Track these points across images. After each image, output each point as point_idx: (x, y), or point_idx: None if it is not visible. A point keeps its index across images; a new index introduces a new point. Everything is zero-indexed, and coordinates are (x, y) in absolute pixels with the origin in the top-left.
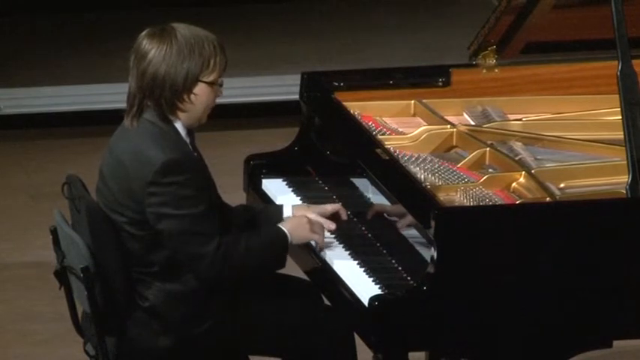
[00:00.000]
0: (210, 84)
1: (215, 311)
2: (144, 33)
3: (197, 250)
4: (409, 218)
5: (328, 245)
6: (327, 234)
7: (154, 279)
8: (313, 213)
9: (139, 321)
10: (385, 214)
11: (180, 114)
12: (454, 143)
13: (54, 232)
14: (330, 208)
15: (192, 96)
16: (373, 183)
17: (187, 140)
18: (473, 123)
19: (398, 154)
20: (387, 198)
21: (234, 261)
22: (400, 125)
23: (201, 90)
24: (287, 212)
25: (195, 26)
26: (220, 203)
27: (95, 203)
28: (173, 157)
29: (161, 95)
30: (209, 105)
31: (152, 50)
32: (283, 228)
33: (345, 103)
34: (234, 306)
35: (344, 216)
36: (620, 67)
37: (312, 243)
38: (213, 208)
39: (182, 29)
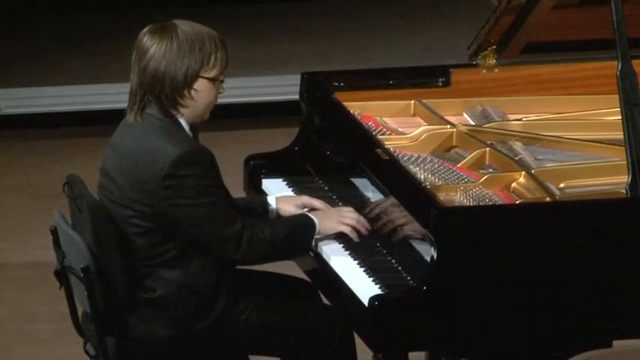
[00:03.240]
0: (212, 80)
1: (218, 307)
2: (145, 29)
3: (223, 233)
4: (408, 220)
5: (327, 242)
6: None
7: (162, 269)
8: (299, 207)
9: (142, 317)
10: (384, 212)
11: (182, 109)
12: (454, 143)
13: (54, 232)
14: (316, 203)
15: (192, 92)
16: (373, 183)
17: (191, 135)
18: (473, 123)
19: (398, 154)
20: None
21: (260, 243)
22: (400, 125)
23: (202, 86)
24: (271, 204)
25: (197, 23)
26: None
27: (98, 201)
28: (186, 150)
29: (161, 91)
30: (211, 101)
31: (153, 46)
32: (311, 215)
33: (345, 103)
34: (235, 305)
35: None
36: (620, 67)
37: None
38: (227, 194)
39: (183, 25)
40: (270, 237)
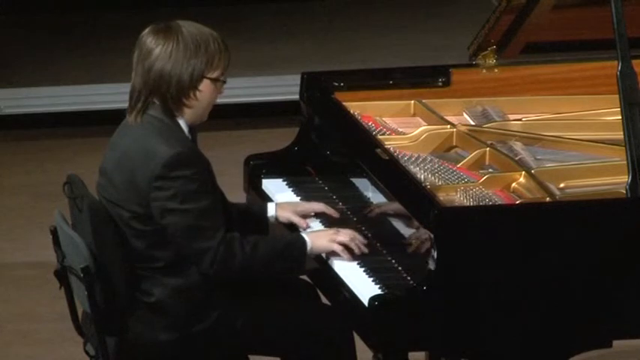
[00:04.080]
0: (215, 80)
1: (217, 308)
2: (148, 29)
3: (201, 245)
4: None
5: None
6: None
7: (159, 274)
8: (295, 214)
9: (141, 319)
10: (386, 214)
11: (186, 110)
12: (454, 143)
13: (54, 232)
14: (316, 207)
15: (197, 92)
16: (373, 183)
17: (189, 137)
18: (473, 123)
19: (398, 154)
20: (387, 198)
21: (238, 257)
22: (400, 125)
23: (205, 86)
24: (270, 211)
25: (198, 23)
26: (223, 200)
27: (98, 201)
28: (180, 151)
29: (167, 91)
30: (211, 102)
31: (158, 47)
32: (304, 235)
33: (345, 103)
34: (234, 305)
35: (333, 214)
36: (620, 67)
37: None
38: (217, 203)
39: (187, 26)
40: (250, 254)
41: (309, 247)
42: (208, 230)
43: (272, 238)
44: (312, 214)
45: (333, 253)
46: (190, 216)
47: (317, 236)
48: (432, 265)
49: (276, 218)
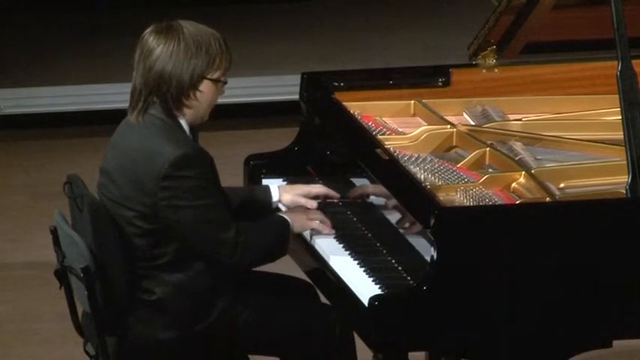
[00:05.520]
0: (216, 81)
1: (217, 307)
2: (150, 29)
3: (217, 237)
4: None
5: (327, 241)
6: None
7: (161, 272)
8: (300, 196)
9: (141, 318)
10: (372, 196)
11: (186, 110)
12: (454, 143)
13: (54, 232)
14: (315, 189)
15: (197, 93)
16: (373, 183)
17: (190, 137)
18: (473, 123)
19: (398, 154)
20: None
21: (253, 248)
22: (400, 125)
23: (206, 87)
24: (274, 193)
25: (199, 24)
26: (225, 195)
27: (98, 201)
28: (186, 152)
29: (167, 91)
30: (212, 102)
31: (159, 47)
32: (285, 216)
33: (345, 103)
34: (235, 304)
35: (332, 194)
36: (620, 67)
37: (307, 234)
38: (224, 197)
39: (189, 26)
40: (260, 241)
41: (291, 228)
42: (221, 223)
43: (264, 224)
44: (313, 194)
45: (332, 250)
46: (202, 210)
47: (295, 217)
48: (431, 265)
49: (279, 202)
